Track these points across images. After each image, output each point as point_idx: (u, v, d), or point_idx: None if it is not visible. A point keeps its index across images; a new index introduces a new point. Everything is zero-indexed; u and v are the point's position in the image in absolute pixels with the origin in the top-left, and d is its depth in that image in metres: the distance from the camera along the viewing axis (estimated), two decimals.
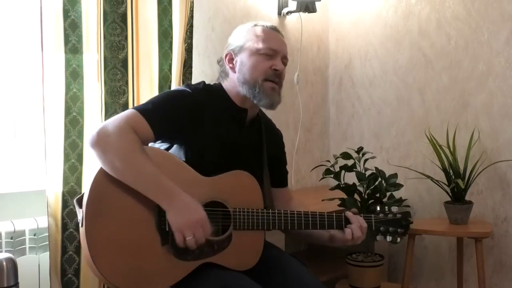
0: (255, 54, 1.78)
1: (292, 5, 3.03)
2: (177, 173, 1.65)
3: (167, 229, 1.60)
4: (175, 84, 2.39)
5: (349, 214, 1.82)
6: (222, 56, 1.88)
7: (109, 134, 1.59)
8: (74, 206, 1.70)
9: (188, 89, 1.77)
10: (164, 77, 2.38)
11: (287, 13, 3.06)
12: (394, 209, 1.89)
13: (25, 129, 2.34)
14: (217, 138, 1.75)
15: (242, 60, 1.79)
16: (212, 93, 1.81)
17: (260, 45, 1.78)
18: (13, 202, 2.22)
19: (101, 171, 1.60)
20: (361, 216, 1.83)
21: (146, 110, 1.67)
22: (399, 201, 2.56)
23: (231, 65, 1.82)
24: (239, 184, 1.74)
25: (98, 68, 2.23)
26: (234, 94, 1.82)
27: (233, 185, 1.73)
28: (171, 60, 2.40)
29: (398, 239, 1.87)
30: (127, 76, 2.28)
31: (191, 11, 2.44)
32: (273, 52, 1.79)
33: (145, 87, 2.35)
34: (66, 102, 2.16)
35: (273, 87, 1.79)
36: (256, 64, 1.77)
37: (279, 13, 3.07)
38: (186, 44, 2.42)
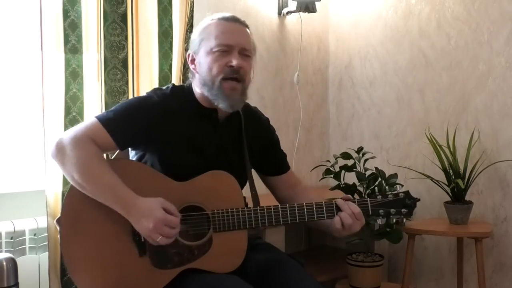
0: (209, 54, 1.68)
1: (292, 5, 3.03)
2: (148, 182, 1.62)
3: (142, 240, 1.59)
4: (175, 84, 2.39)
5: (340, 202, 1.70)
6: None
7: (66, 146, 1.58)
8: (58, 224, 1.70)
9: (154, 96, 1.71)
10: (164, 77, 2.38)
11: (287, 13, 3.07)
12: (397, 188, 1.78)
13: (25, 129, 2.34)
14: (189, 143, 1.71)
15: (200, 61, 1.71)
16: (180, 96, 1.75)
17: (212, 43, 1.68)
18: (13, 202, 2.22)
19: (72, 189, 1.61)
20: (354, 201, 1.71)
21: (107, 119, 1.64)
22: None
23: (193, 66, 1.75)
24: (216, 185, 1.68)
25: (98, 68, 2.23)
26: (200, 95, 1.75)
27: (209, 186, 1.67)
28: (171, 60, 2.40)
29: (404, 220, 1.74)
30: (127, 76, 2.28)
31: (191, 11, 2.45)
32: (228, 48, 1.67)
33: (145, 87, 2.35)
34: (66, 102, 2.16)
35: (233, 87, 1.68)
36: (212, 64, 1.67)
37: (279, 13, 3.07)
38: (186, 44, 2.42)
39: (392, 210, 1.73)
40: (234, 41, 1.68)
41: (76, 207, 1.60)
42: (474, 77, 2.77)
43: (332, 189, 2.60)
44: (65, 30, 2.13)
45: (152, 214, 1.53)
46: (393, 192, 1.76)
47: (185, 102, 1.75)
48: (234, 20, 1.73)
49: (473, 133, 2.70)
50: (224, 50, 1.67)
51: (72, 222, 1.59)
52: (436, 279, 2.96)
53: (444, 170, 2.59)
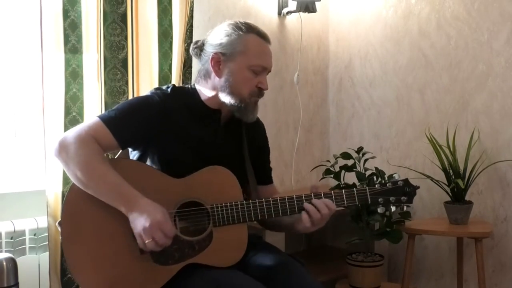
0: (247, 69, 1.73)
1: (292, 5, 3.03)
2: (148, 181, 1.64)
3: None
4: (175, 84, 2.39)
5: (306, 205, 1.69)
6: (203, 45, 1.79)
7: (69, 144, 1.60)
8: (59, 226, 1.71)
9: (155, 96, 1.73)
10: (164, 77, 2.38)
11: (287, 13, 3.06)
12: (395, 177, 1.77)
13: (25, 129, 2.34)
14: (191, 141, 1.73)
15: (232, 69, 1.73)
16: (182, 96, 1.77)
17: (253, 61, 1.73)
18: (13, 202, 2.22)
19: (72, 189, 1.62)
20: (320, 196, 1.70)
21: (109, 118, 1.66)
22: None
23: (216, 68, 1.75)
24: (214, 180, 1.71)
25: (98, 68, 2.23)
26: (209, 96, 1.77)
27: (207, 181, 1.70)
28: (171, 60, 2.40)
29: (405, 208, 1.74)
30: (127, 76, 2.28)
31: (191, 11, 2.44)
32: (263, 69, 1.76)
33: (145, 87, 2.35)
34: (66, 102, 2.16)
35: (256, 101, 1.79)
36: (246, 80, 1.74)
37: (279, 13, 3.07)
38: (186, 44, 2.42)
39: (392, 198, 1.74)
40: (269, 65, 1.79)
41: (77, 207, 1.61)
42: (474, 77, 2.77)
43: (332, 188, 2.59)
44: (65, 30, 2.13)
45: (153, 214, 1.54)
46: (392, 181, 1.76)
47: (187, 101, 1.77)
48: (268, 41, 1.80)
49: (473, 133, 2.70)
50: (260, 71, 1.76)
51: (73, 222, 1.61)
52: (436, 279, 2.96)
53: (444, 170, 2.59)
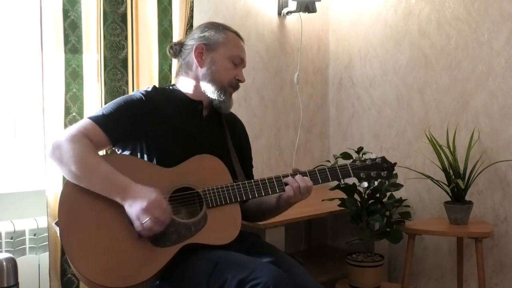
0: (229, 59, 1.87)
1: (292, 5, 3.03)
2: (138, 171, 1.71)
3: None
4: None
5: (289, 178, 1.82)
6: (185, 42, 1.91)
7: (62, 142, 1.66)
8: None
9: (138, 93, 1.83)
10: (164, 77, 2.39)
11: (287, 13, 3.07)
12: (372, 156, 1.91)
13: (25, 129, 2.34)
14: (175, 134, 1.80)
15: (214, 59, 1.86)
16: (164, 92, 1.89)
17: (234, 52, 1.88)
18: (13, 202, 2.23)
19: (66, 185, 1.67)
20: (296, 173, 1.83)
21: (98, 117, 1.74)
22: (399, 201, 2.56)
23: (199, 58, 1.86)
24: (203, 167, 1.79)
25: (98, 68, 2.23)
26: (191, 87, 1.89)
27: (197, 168, 1.78)
28: (171, 60, 2.40)
29: (386, 183, 1.90)
30: (127, 76, 2.29)
31: (191, 11, 2.45)
32: (241, 61, 1.90)
33: (145, 87, 2.34)
34: (66, 102, 2.17)
35: (231, 93, 1.90)
36: (226, 70, 1.87)
37: (279, 13, 3.07)
38: None
39: (373, 173, 1.89)
40: (245, 58, 1.93)
41: (72, 201, 1.65)
42: (474, 77, 2.77)
43: (332, 189, 2.60)
44: (65, 30, 2.14)
45: (148, 196, 1.60)
46: (370, 158, 1.91)
47: (169, 95, 1.88)
48: (243, 40, 1.95)
49: (473, 133, 2.70)
50: (238, 63, 1.89)
51: (70, 215, 1.64)
52: (436, 279, 2.96)
53: (444, 170, 2.59)
